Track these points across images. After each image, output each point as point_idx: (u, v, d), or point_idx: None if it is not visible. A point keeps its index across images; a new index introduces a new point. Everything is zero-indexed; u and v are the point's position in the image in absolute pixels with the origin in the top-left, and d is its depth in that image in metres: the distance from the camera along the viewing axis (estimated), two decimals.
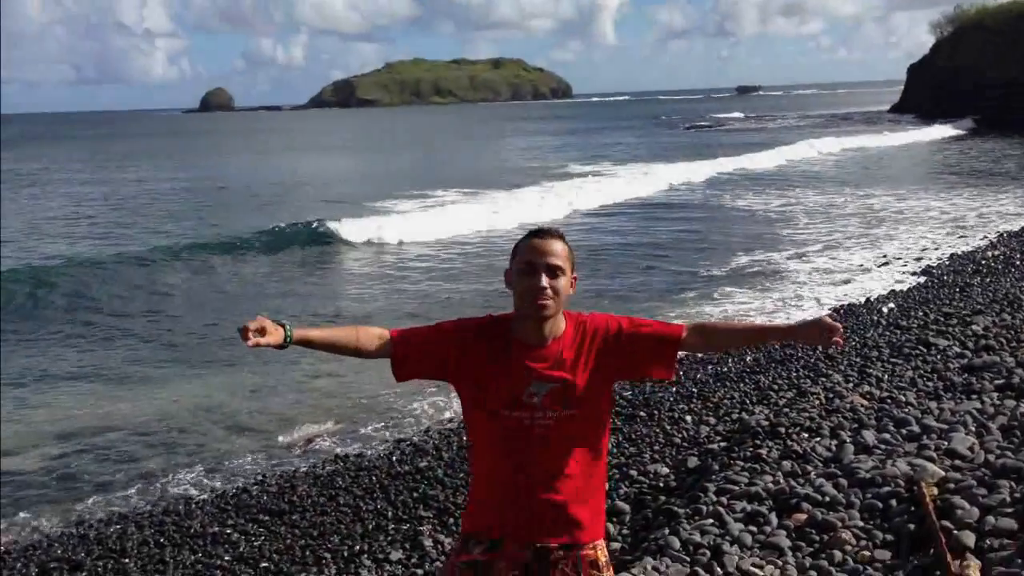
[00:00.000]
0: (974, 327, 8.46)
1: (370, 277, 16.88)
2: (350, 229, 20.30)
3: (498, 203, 25.01)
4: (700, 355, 9.97)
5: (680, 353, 2.95)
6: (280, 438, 8.63)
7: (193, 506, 7.11)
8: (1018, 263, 12.60)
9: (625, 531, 5.51)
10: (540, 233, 2.81)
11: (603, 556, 2.83)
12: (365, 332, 2.82)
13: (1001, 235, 16.59)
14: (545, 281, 2.72)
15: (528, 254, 2.76)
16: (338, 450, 8.21)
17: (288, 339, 2.64)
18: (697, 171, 32.99)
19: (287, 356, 10.61)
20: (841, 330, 2.82)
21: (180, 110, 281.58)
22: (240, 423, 9.03)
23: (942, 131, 49.75)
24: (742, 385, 8.28)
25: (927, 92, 65.38)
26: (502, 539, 2.79)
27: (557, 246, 2.77)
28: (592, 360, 2.79)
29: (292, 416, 9.16)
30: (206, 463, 8.16)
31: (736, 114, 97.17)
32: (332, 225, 20.40)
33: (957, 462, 4.91)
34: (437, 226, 21.07)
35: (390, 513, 6.61)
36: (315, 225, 20.46)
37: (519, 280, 2.76)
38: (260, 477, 7.62)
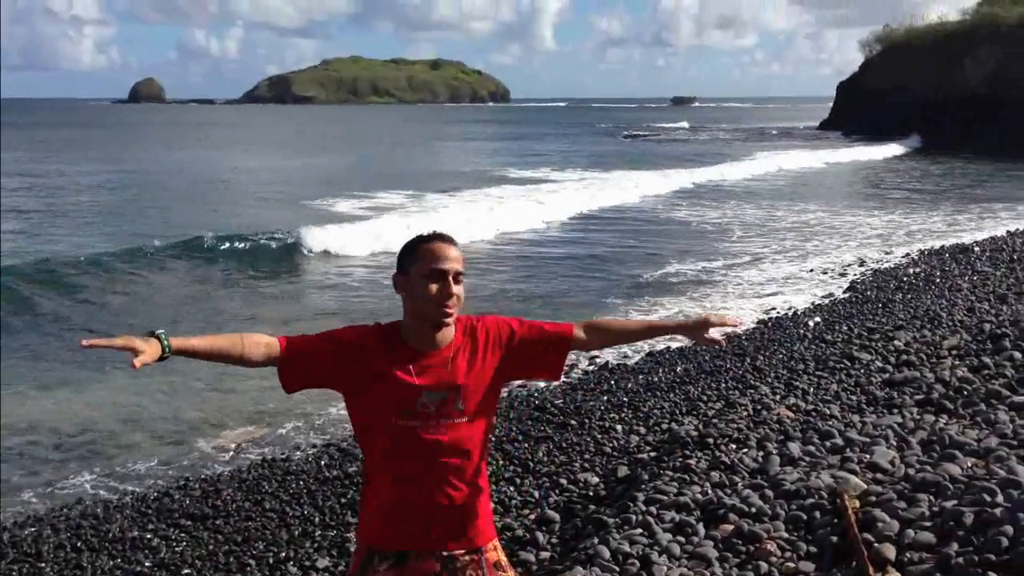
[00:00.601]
0: (896, 342, 8.68)
1: (313, 288, 16.48)
2: (309, 236, 18.90)
3: (447, 210, 24.47)
4: (631, 365, 10.08)
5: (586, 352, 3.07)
6: (203, 442, 8.45)
7: (112, 510, 6.90)
8: (937, 280, 12.98)
9: (555, 540, 5.52)
10: (442, 237, 2.79)
11: (503, 556, 2.89)
12: (250, 339, 2.72)
13: (921, 253, 17.07)
14: (455, 289, 2.72)
15: (433, 260, 2.73)
16: (264, 453, 8.08)
17: (167, 350, 2.53)
18: (640, 182, 33.05)
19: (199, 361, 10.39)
20: (729, 327, 2.91)
21: (109, 100, 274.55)
22: (160, 427, 8.79)
23: (891, 150, 50.69)
24: (672, 395, 8.37)
25: (855, 109, 67.04)
26: (407, 553, 2.78)
27: (456, 251, 2.78)
28: (484, 364, 2.81)
29: (216, 420, 8.97)
30: (125, 467, 7.94)
31: (679, 124, 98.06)
32: (277, 235, 18.97)
33: (878, 475, 5.03)
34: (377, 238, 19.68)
35: (317, 519, 6.52)
36: (257, 235, 18.99)
37: (423, 285, 2.72)
38: (182, 481, 7.45)
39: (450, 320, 2.75)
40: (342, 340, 2.79)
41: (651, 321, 3.05)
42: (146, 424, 8.89)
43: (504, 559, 2.89)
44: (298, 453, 7.93)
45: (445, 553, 2.78)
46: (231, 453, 8.18)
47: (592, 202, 27.47)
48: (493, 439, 7.23)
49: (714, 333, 2.93)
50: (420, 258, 2.75)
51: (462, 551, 2.80)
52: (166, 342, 2.53)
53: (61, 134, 74.68)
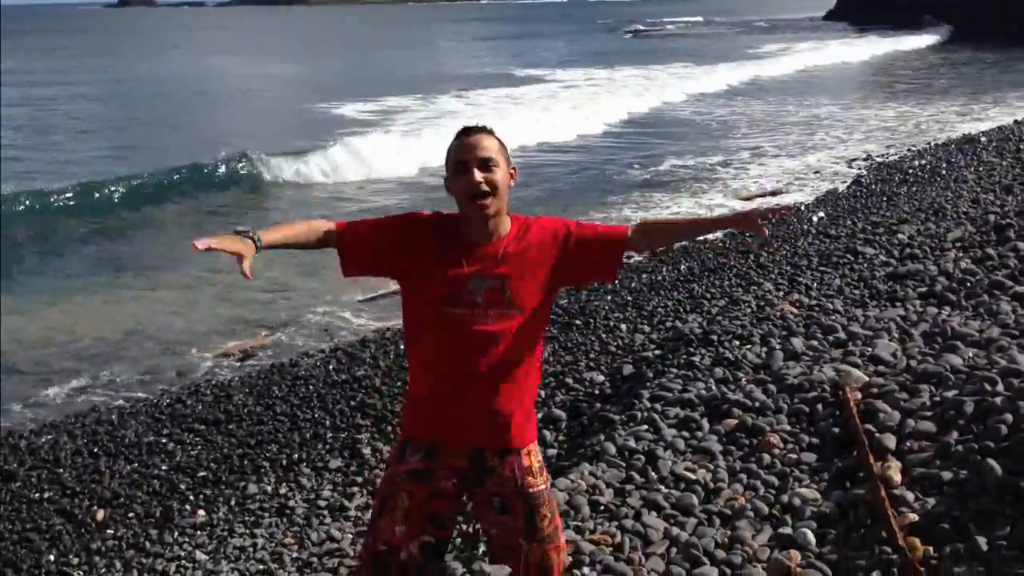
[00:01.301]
0: (899, 235, 8.66)
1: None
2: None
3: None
4: (635, 264, 10.09)
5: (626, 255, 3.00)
6: (213, 350, 8.56)
7: (126, 416, 7.03)
8: (943, 172, 12.86)
9: (561, 438, 5.63)
10: (468, 131, 2.78)
11: (536, 462, 2.87)
12: (314, 225, 2.82)
13: (928, 144, 16.88)
14: (479, 176, 2.70)
15: (458, 153, 2.74)
16: (273, 359, 8.18)
17: (259, 246, 2.63)
18: (651, 83, 32.13)
19: (205, 272, 10.50)
20: (769, 218, 2.88)
21: (100, 4, 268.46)
22: (171, 337, 8.91)
23: (922, 40, 48.82)
24: (676, 294, 8.40)
25: None
26: (440, 445, 2.80)
27: (487, 140, 2.75)
28: (537, 263, 2.80)
29: (225, 330, 9.08)
30: (138, 374, 8.07)
31: (692, 18, 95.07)
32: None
33: (880, 368, 5.08)
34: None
35: (328, 422, 6.64)
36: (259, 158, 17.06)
37: (455, 181, 2.75)
38: (194, 387, 7.56)
39: (489, 211, 2.73)
40: (399, 225, 2.84)
41: (700, 217, 3.01)
42: (157, 334, 8.99)
43: (538, 464, 2.88)
44: (306, 359, 8.02)
45: (475, 448, 2.79)
46: (241, 360, 8.29)
47: (638, 103, 26.14)
48: None
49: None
50: (448, 156, 2.78)
51: (493, 451, 2.80)
52: (258, 240, 2.63)
53: (53, 40, 73.16)
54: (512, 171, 2.80)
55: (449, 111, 25.30)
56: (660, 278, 9.14)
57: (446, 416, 2.79)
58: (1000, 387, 4.28)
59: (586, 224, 2.93)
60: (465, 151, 2.73)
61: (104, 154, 19.83)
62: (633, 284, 9.05)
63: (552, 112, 24.45)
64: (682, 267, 9.50)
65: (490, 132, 2.80)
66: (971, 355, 5.00)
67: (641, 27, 79.77)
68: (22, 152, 20.23)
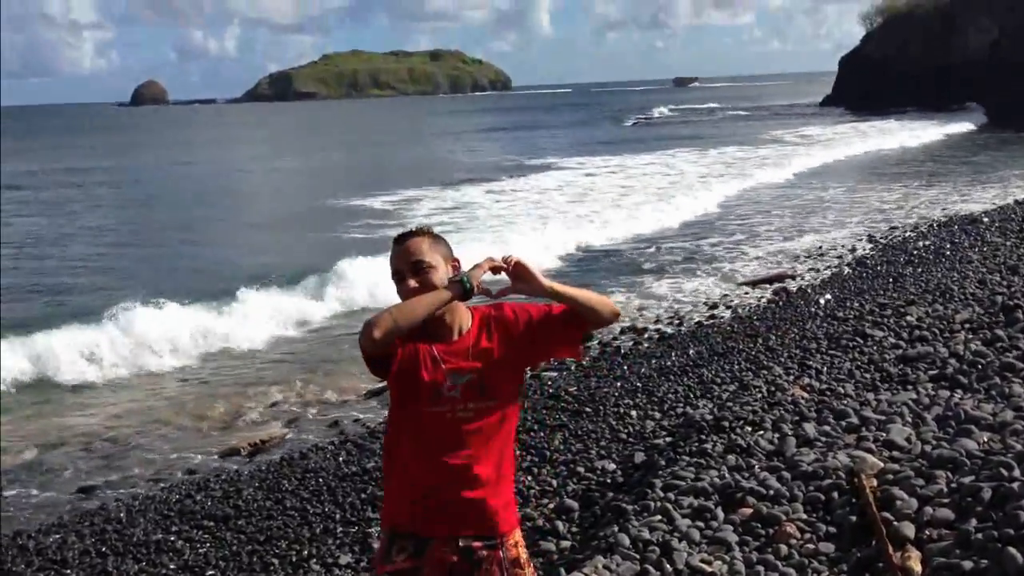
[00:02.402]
0: (908, 317, 8.67)
1: None
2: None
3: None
4: (644, 350, 10.10)
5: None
6: (222, 444, 8.53)
7: (135, 513, 6.97)
8: (948, 253, 12.94)
9: (574, 529, 5.56)
10: (399, 239, 2.90)
11: (523, 553, 2.93)
12: None
13: (930, 225, 17.01)
14: (413, 283, 2.80)
15: (393, 263, 2.87)
16: (283, 452, 8.13)
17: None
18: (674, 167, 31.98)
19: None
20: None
21: (112, 104, 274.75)
22: (178, 431, 8.91)
23: (958, 127, 45.10)
24: (685, 379, 8.38)
25: (858, 83, 66.67)
26: (428, 540, 2.83)
27: (416, 243, 2.85)
28: (508, 351, 2.89)
29: (233, 422, 9.08)
30: (146, 470, 8.05)
31: (712, 104, 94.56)
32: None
33: (895, 453, 5.04)
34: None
35: (338, 516, 6.57)
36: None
37: (397, 289, 2.87)
38: (203, 482, 7.51)
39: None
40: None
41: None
42: (165, 428, 8.97)
43: (524, 555, 2.93)
44: (316, 452, 7.98)
45: (462, 543, 2.82)
46: (250, 455, 8.25)
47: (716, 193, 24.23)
48: None
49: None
50: (389, 265, 2.90)
51: (481, 543, 2.84)
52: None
53: (67, 140, 74.40)
54: (454, 264, 2.89)
55: (466, 201, 25.45)
56: (669, 363, 9.13)
57: (430, 509, 2.83)
58: (1017, 472, 4.24)
59: (544, 306, 2.99)
60: (398, 259, 2.85)
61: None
62: (643, 370, 9.04)
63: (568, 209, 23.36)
64: (691, 352, 9.50)
65: (424, 233, 2.89)
66: (986, 439, 4.96)
67: (647, 115, 79.37)
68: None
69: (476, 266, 2.85)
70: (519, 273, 2.86)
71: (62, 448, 8.60)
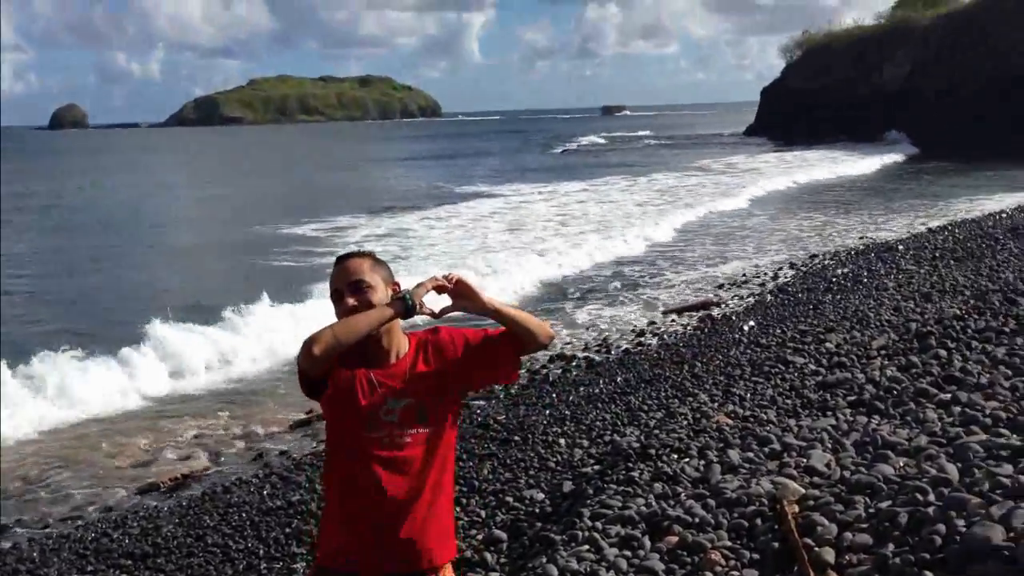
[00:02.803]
0: (827, 344, 8.88)
1: None
2: None
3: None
4: (572, 378, 10.15)
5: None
6: (140, 479, 8.30)
7: (48, 553, 6.73)
8: (865, 280, 13.31)
9: (503, 560, 5.53)
10: (340, 259, 2.91)
11: None
12: None
13: (849, 253, 17.50)
14: (352, 301, 2.80)
15: (333, 281, 2.87)
16: (205, 487, 7.95)
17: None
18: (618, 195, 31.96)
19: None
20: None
21: (29, 127, 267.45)
22: (94, 467, 8.63)
23: (890, 158, 45.25)
24: (613, 406, 8.44)
25: (780, 113, 68.46)
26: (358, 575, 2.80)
27: (357, 264, 2.86)
28: (441, 372, 2.88)
29: (153, 456, 8.84)
30: (61, 508, 7.77)
31: (640, 133, 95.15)
32: None
33: (816, 479, 5.13)
34: None
35: (262, 551, 6.43)
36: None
37: (335, 309, 2.86)
38: (121, 519, 7.29)
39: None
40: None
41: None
42: (79, 465, 8.69)
43: None
44: (239, 486, 7.81)
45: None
46: (171, 490, 8.03)
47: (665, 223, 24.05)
48: None
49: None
50: (329, 284, 2.91)
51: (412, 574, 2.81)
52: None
53: None
54: (394, 287, 2.89)
55: (399, 228, 25.32)
56: (597, 391, 9.19)
57: (364, 541, 2.80)
58: (932, 496, 4.35)
59: (480, 330, 3.00)
60: (338, 279, 2.86)
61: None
62: (571, 397, 9.08)
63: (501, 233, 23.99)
64: (619, 379, 9.57)
65: (364, 254, 2.91)
66: (902, 464, 5.08)
67: (579, 143, 79.31)
68: None
69: (419, 284, 2.84)
70: (461, 291, 2.85)
71: None
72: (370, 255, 2.91)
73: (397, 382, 2.83)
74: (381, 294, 2.82)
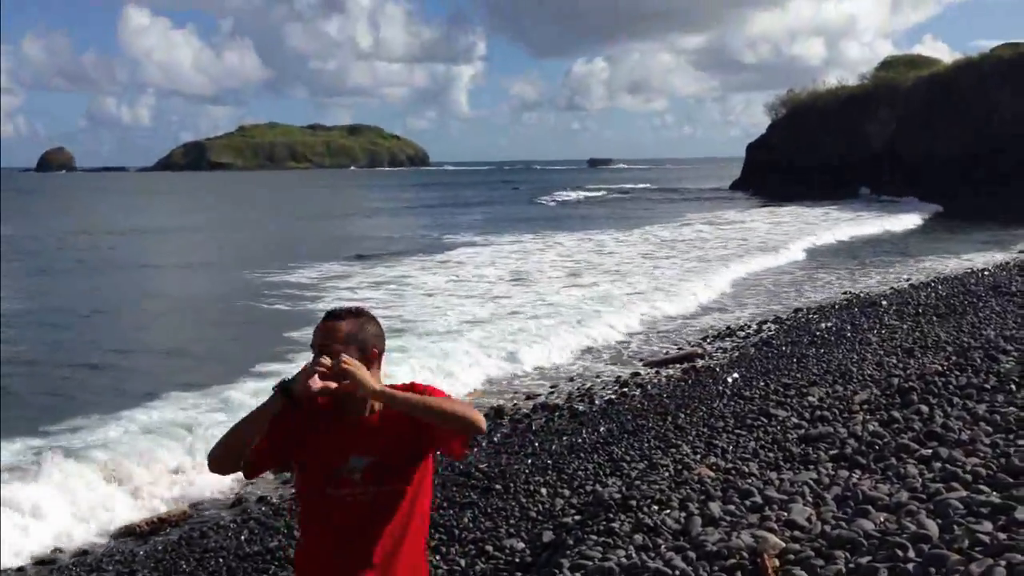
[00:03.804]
0: (810, 398, 8.90)
1: None
2: None
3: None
4: (555, 427, 10.11)
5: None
6: (116, 522, 8.18)
7: None
8: (849, 335, 13.38)
9: None
10: (326, 317, 2.91)
11: None
12: None
13: (833, 306, 17.61)
14: (325, 362, 2.80)
15: (314, 338, 2.90)
16: (182, 532, 7.84)
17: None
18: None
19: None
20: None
21: (16, 169, 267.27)
22: (68, 507, 8.50)
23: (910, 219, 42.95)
24: (596, 456, 8.41)
25: (765, 170, 69.30)
26: None
27: (337, 326, 2.86)
28: (407, 433, 2.84)
29: (130, 499, 8.72)
30: (33, 549, 7.64)
31: (630, 185, 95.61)
32: None
33: (796, 533, 5.12)
34: None
35: None
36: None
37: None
38: (96, 563, 7.18)
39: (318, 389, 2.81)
40: (280, 422, 2.84)
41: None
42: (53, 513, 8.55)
43: None
44: (216, 531, 7.71)
45: None
46: (147, 534, 7.92)
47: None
48: None
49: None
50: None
51: None
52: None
53: None
54: (373, 351, 2.87)
55: (396, 276, 24.84)
56: (580, 440, 9.16)
57: None
58: (911, 553, 4.35)
59: (440, 392, 2.96)
60: (317, 336, 2.88)
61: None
62: (553, 447, 9.04)
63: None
64: (602, 429, 9.55)
65: (346, 316, 2.88)
66: (882, 519, 5.09)
67: (569, 195, 79.05)
68: None
69: (302, 370, 2.79)
70: (347, 374, 2.75)
71: None
72: (354, 317, 2.89)
73: (364, 439, 2.82)
74: (355, 357, 2.80)
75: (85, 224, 46.91)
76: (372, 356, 2.86)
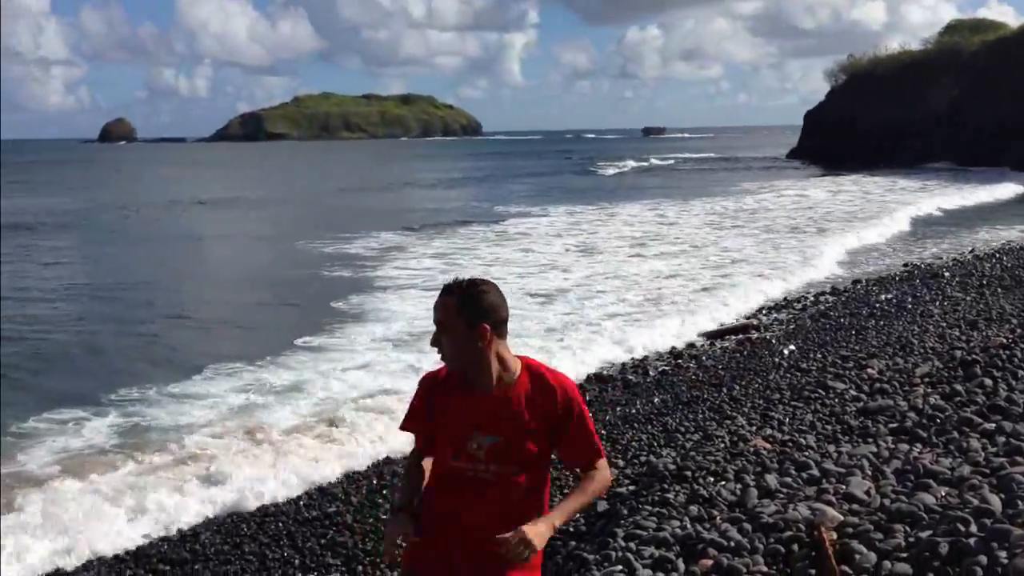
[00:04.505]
0: (869, 370, 8.77)
1: None
2: None
3: None
4: (608, 398, 10.11)
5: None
6: (179, 488, 8.36)
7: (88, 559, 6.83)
8: (909, 307, 13.14)
9: None
10: (441, 291, 2.93)
11: None
12: (422, 463, 3.08)
13: (893, 278, 17.29)
14: (434, 338, 2.91)
15: (434, 313, 2.94)
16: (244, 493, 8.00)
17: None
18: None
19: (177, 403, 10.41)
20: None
21: (78, 140, 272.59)
22: (132, 475, 8.72)
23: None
24: (650, 427, 8.41)
25: (823, 137, 68.00)
26: None
27: (440, 303, 2.89)
28: (535, 423, 2.87)
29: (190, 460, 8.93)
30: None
31: (699, 154, 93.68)
32: None
33: (855, 506, 5.06)
34: None
35: (297, 561, 6.49)
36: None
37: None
38: (161, 525, 7.38)
39: (448, 367, 2.93)
40: (422, 389, 3.04)
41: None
42: (115, 472, 8.80)
43: None
44: (277, 494, 7.86)
45: None
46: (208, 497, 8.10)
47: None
48: None
49: None
50: None
51: None
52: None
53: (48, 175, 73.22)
54: (482, 328, 2.83)
55: (462, 248, 24.55)
56: (634, 411, 9.16)
57: (445, 561, 2.87)
58: (973, 527, 4.28)
59: (579, 421, 2.98)
60: (435, 312, 2.93)
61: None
62: (607, 417, 9.06)
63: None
64: (656, 400, 9.53)
65: (450, 290, 2.90)
66: (943, 494, 5.01)
67: (627, 164, 77.21)
68: None
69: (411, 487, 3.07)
70: (516, 557, 2.74)
71: None
72: (458, 293, 2.87)
73: (489, 417, 2.86)
74: (457, 336, 2.85)
75: (146, 195, 47.65)
76: (481, 332, 2.83)
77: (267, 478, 8.10)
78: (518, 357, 2.95)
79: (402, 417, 3.11)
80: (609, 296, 16.96)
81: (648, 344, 13.14)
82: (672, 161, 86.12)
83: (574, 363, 11.69)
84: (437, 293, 2.93)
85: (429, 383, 3.03)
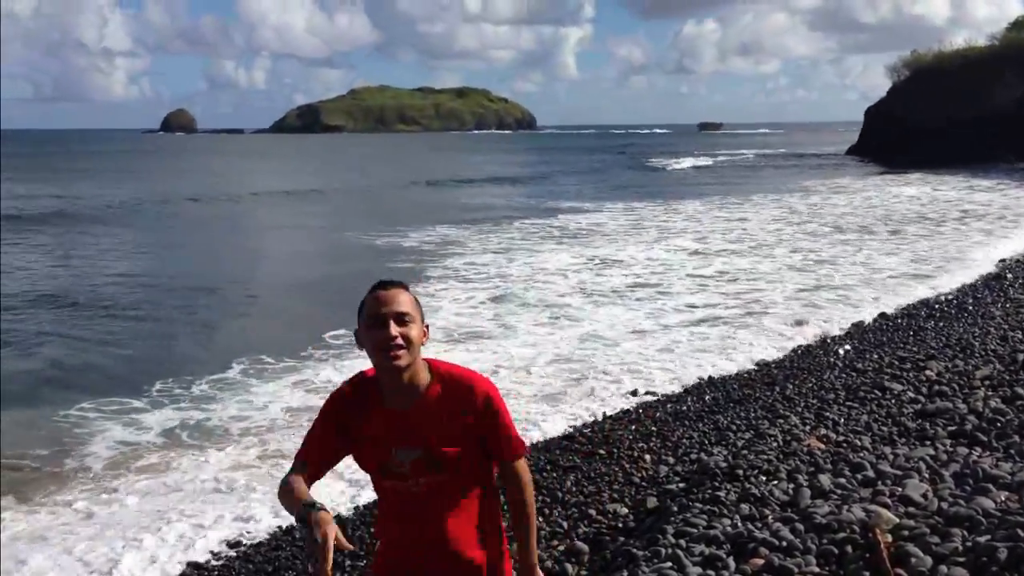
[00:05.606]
0: (927, 372, 8.60)
1: None
2: None
3: None
4: (660, 393, 10.05)
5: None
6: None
7: None
8: (970, 308, 12.85)
9: (584, 572, 5.52)
10: (383, 285, 2.75)
11: None
12: (300, 487, 2.68)
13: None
14: (395, 330, 2.66)
15: (374, 307, 2.70)
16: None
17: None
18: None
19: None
20: None
21: (140, 130, 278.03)
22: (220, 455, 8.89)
23: None
24: (701, 425, 8.34)
25: (883, 135, 66.71)
26: None
27: (402, 295, 2.73)
28: (455, 425, 2.75)
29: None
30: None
31: (758, 151, 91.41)
32: None
33: (911, 509, 4.98)
34: None
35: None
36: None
37: (368, 336, 2.69)
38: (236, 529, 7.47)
39: (401, 363, 2.68)
40: (329, 414, 2.82)
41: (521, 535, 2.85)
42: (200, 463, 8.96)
43: None
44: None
45: None
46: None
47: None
48: None
49: None
50: (364, 309, 2.74)
51: None
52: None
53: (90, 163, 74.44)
54: (425, 328, 2.76)
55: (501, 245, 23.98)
56: (685, 408, 9.09)
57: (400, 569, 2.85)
58: None
59: (500, 415, 2.83)
60: (381, 305, 2.69)
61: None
62: (658, 414, 9.00)
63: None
64: (707, 398, 9.45)
65: (404, 286, 2.78)
66: (1003, 498, 4.90)
67: (685, 160, 75.25)
68: None
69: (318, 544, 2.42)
70: None
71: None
72: (410, 290, 2.79)
73: (408, 430, 2.73)
74: (417, 330, 2.71)
75: (206, 187, 48.33)
76: (427, 331, 2.76)
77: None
78: (424, 360, 2.80)
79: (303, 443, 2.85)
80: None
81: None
82: (733, 156, 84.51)
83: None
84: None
85: (339, 404, 2.80)
